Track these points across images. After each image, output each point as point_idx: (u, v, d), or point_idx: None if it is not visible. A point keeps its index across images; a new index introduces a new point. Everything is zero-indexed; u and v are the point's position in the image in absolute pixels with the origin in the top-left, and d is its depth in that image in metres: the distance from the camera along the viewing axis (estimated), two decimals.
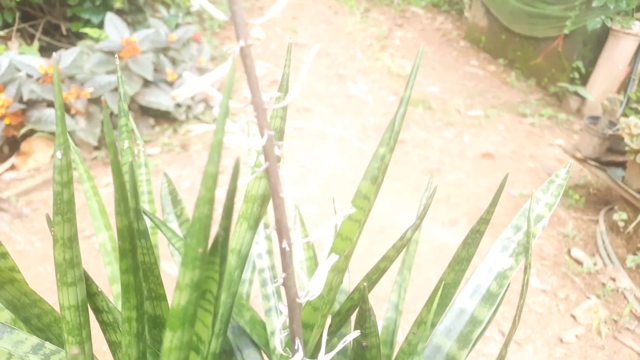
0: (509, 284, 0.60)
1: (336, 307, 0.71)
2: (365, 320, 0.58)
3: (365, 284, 0.51)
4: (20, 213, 2.00)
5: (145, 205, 0.78)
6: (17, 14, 2.56)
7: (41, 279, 1.70)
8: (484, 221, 0.50)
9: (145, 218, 0.73)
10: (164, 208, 0.82)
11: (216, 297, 0.38)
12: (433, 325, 0.58)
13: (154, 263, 0.46)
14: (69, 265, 0.39)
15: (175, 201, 0.82)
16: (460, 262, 0.54)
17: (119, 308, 0.64)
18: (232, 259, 0.61)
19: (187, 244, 0.28)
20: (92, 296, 0.44)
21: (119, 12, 2.82)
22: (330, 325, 0.59)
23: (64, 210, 0.37)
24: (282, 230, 0.36)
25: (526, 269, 0.52)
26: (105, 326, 0.47)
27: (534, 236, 0.62)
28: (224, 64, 0.28)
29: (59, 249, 0.39)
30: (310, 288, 0.37)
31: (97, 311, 0.46)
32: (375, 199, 0.44)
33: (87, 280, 0.42)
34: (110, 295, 1.59)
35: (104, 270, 1.63)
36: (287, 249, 0.36)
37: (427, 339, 0.60)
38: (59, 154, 0.36)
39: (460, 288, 0.58)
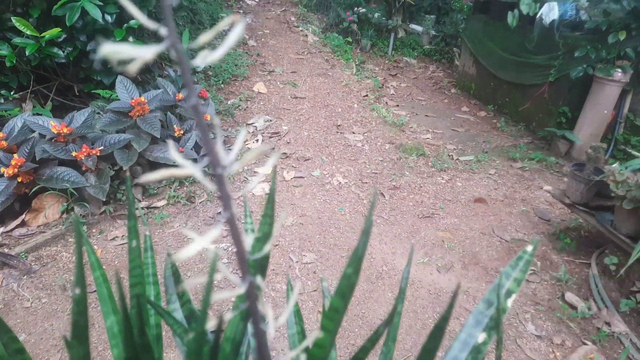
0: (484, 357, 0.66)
1: None
2: None
3: None
4: (29, 269, 2.06)
5: (150, 288, 0.86)
6: (32, 77, 2.69)
7: (47, 335, 1.75)
8: (444, 319, 0.57)
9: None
10: (167, 289, 0.90)
11: None
12: None
13: None
14: None
15: (178, 282, 0.89)
16: (428, 353, 0.61)
17: None
18: (227, 346, 0.69)
19: None
20: None
21: None
22: None
23: (80, 335, 0.43)
24: (263, 357, 0.44)
25: (498, 345, 0.58)
26: None
27: (504, 311, 0.69)
28: (213, 230, 0.37)
29: None
30: None
31: None
32: (345, 310, 0.52)
33: None
34: None
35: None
36: None
37: None
38: (77, 290, 0.42)
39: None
